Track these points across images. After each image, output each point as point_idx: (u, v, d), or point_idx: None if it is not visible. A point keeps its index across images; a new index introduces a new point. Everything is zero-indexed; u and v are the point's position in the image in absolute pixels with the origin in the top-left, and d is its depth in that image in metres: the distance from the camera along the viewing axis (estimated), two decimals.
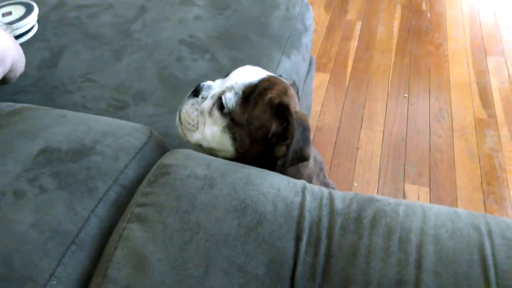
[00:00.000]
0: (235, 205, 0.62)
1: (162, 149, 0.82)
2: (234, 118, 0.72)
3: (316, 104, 2.06)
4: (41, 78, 1.10)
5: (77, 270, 0.60)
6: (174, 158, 0.70)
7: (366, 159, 1.82)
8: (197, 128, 0.77)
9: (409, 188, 1.71)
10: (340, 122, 1.99)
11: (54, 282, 0.57)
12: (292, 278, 0.57)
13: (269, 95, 0.72)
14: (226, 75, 0.79)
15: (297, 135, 0.68)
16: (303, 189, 0.65)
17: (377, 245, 0.58)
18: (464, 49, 2.43)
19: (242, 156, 0.75)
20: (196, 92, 0.78)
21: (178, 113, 0.80)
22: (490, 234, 0.58)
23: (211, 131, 0.75)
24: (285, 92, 0.74)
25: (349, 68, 2.29)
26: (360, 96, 2.13)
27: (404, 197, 1.67)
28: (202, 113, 0.76)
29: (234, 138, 0.73)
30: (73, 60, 1.14)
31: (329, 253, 0.58)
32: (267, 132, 0.72)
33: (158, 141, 0.82)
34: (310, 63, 1.51)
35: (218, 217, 0.61)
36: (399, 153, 1.85)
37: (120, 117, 0.95)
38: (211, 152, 0.76)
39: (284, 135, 0.72)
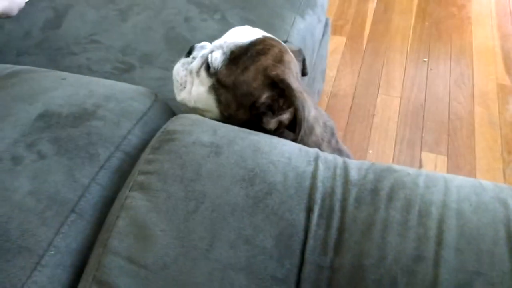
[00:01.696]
0: (243, 174, 0.58)
1: (168, 114, 0.78)
2: (219, 79, 0.69)
3: (331, 68, 1.99)
4: (45, 39, 1.06)
5: (77, 240, 0.58)
6: (179, 123, 0.66)
7: (382, 126, 1.77)
8: (184, 87, 0.75)
9: (426, 157, 1.66)
10: (356, 88, 1.92)
11: (52, 252, 0.54)
12: (303, 252, 0.54)
13: (264, 63, 0.67)
14: None
15: (306, 115, 0.65)
16: (316, 158, 0.61)
17: (394, 218, 0.54)
18: (489, 11, 2.31)
19: (229, 119, 0.71)
20: (189, 53, 0.76)
21: None
22: None
23: (197, 91, 0.73)
24: (280, 58, 0.69)
25: (367, 31, 2.20)
26: (378, 61, 2.05)
27: (420, 166, 1.62)
28: (190, 73, 0.74)
29: (219, 100, 0.70)
30: (77, 21, 1.10)
31: (342, 226, 0.55)
32: (256, 100, 0.68)
33: (164, 105, 0.79)
34: (326, 25, 1.44)
35: (225, 187, 0.57)
36: (417, 120, 1.79)
37: (126, 81, 0.91)
38: (197, 112, 0.73)
39: (273, 106, 0.68)
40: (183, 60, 0.76)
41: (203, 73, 0.71)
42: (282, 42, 0.74)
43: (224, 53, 0.69)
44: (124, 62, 0.99)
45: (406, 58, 2.07)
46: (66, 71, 0.85)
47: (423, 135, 1.74)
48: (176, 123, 0.67)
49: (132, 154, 0.68)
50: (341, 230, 0.55)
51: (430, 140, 1.72)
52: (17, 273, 0.52)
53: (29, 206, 0.57)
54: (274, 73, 0.66)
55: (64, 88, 0.73)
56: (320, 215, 0.56)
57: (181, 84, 0.75)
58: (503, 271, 0.50)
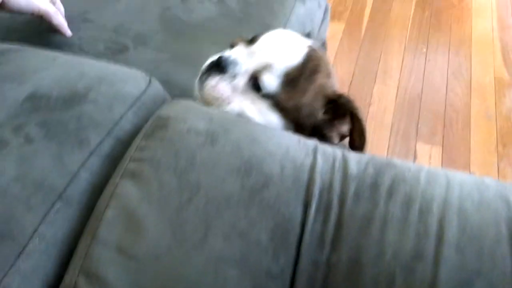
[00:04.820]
0: (239, 164, 0.56)
1: (162, 98, 0.76)
2: (278, 103, 0.66)
3: (328, 55, 1.96)
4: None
5: (63, 228, 0.55)
6: (173, 109, 0.64)
7: (378, 116, 1.75)
8: (229, 103, 0.68)
9: (421, 148, 1.65)
10: (353, 76, 1.90)
11: (37, 241, 0.52)
12: (299, 246, 0.53)
13: (320, 82, 0.68)
14: (251, 40, 0.70)
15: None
16: (315, 150, 0.59)
17: (394, 214, 0.53)
18: (489, 3, 2.29)
19: None
20: (220, 68, 0.68)
21: (197, 86, 0.70)
22: None
23: (251, 110, 0.67)
24: (329, 72, 0.71)
25: (366, 19, 2.17)
26: (376, 49, 2.03)
27: (415, 157, 1.61)
28: (234, 90, 0.68)
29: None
30: None
31: (340, 221, 0.53)
32: (316, 119, 0.68)
33: (158, 89, 0.76)
34: (325, 11, 1.40)
35: (220, 177, 0.55)
36: (413, 111, 1.77)
37: (119, 62, 0.88)
38: None
39: (329, 120, 0.70)
40: (217, 75, 0.68)
41: (251, 93, 0.67)
42: (317, 46, 0.73)
43: (278, 77, 0.65)
44: (117, 43, 0.96)
45: (405, 47, 2.05)
46: (56, 50, 0.82)
47: (419, 126, 1.73)
48: (170, 109, 0.64)
49: (124, 140, 0.65)
50: (338, 225, 0.53)
51: (426, 131, 1.71)
52: None
53: (14, 192, 0.54)
54: (331, 91, 0.68)
55: (54, 69, 0.70)
56: (317, 209, 0.54)
57: (224, 100, 0.68)
58: (504, 271, 0.48)
